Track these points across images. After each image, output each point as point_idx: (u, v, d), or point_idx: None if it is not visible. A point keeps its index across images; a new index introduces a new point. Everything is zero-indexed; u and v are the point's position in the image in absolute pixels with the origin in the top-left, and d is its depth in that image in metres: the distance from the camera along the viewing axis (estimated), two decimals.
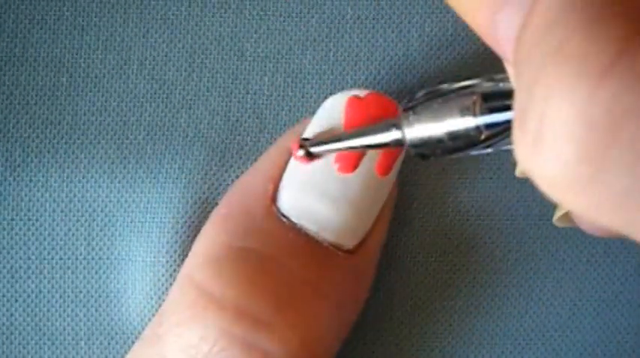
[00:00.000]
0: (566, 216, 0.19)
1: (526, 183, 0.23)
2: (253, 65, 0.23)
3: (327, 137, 0.20)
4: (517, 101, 0.12)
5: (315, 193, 0.20)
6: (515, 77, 0.13)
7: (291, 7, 0.23)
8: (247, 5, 0.23)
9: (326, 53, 0.23)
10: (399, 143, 0.18)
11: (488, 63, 0.23)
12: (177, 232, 0.22)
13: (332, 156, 0.20)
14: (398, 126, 0.17)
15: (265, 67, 0.23)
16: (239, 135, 0.23)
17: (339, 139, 0.20)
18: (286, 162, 0.21)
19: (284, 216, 0.20)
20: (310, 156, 0.20)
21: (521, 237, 0.23)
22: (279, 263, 0.20)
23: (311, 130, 0.21)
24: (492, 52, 0.18)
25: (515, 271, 0.23)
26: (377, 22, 0.23)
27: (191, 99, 0.23)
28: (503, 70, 0.15)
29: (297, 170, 0.20)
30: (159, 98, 0.23)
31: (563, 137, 0.11)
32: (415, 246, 0.23)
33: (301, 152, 0.20)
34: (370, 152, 0.20)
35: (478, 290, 0.23)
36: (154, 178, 0.23)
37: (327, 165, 0.20)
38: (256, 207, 0.20)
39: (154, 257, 0.22)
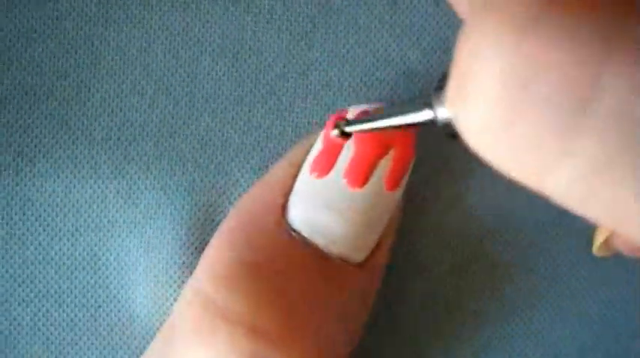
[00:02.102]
0: (606, 243, 0.19)
1: (531, 192, 0.23)
2: (256, 73, 0.23)
3: (362, 117, 0.20)
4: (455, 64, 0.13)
5: (325, 208, 0.20)
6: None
7: (297, 21, 0.23)
8: (251, 11, 0.23)
9: (331, 67, 0.23)
10: (430, 122, 0.18)
11: None
12: (181, 238, 0.23)
13: (341, 172, 0.20)
14: (430, 106, 0.17)
15: (270, 76, 0.23)
16: (242, 143, 0.23)
17: (372, 119, 0.20)
18: (295, 177, 0.21)
19: (294, 230, 0.20)
20: (344, 136, 0.20)
21: (526, 244, 0.24)
22: (289, 277, 0.20)
23: (318, 145, 0.21)
24: None
25: (518, 278, 0.24)
26: (382, 35, 0.23)
27: (196, 106, 0.23)
28: None
29: (307, 185, 0.21)
30: (164, 104, 0.23)
31: (484, 86, 0.12)
32: (420, 257, 0.24)
33: (336, 131, 0.21)
34: (380, 167, 0.20)
35: (481, 298, 0.24)
36: (158, 184, 0.23)
37: (336, 180, 0.20)
38: (266, 221, 0.21)
39: (158, 262, 0.23)
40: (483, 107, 0.12)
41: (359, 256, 0.21)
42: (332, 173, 0.20)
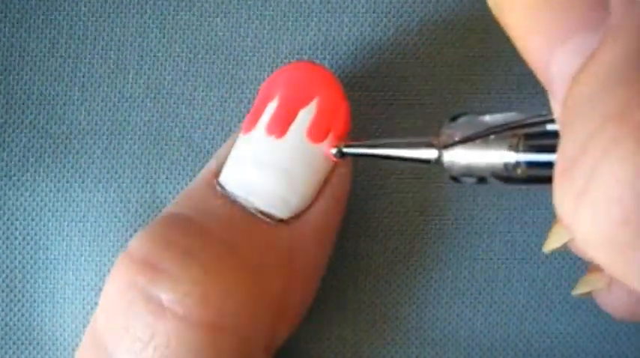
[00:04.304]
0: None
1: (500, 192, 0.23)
2: (248, 74, 0.23)
3: (363, 142, 0.20)
4: (564, 148, 0.12)
5: (248, 161, 0.20)
6: (562, 121, 0.13)
7: (286, 16, 0.23)
8: (244, 14, 0.23)
9: (322, 63, 0.23)
10: (435, 162, 0.18)
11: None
12: None
13: (264, 124, 0.20)
14: (437, 148, 0.18)
15: (260, 76, 0.23)
16: None
17: (374, 146, 0.20)
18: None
19: (220, 185, 0.20)
20: (342, 156, 0.20)
21: (499, 241, 0.23)
22: (199, 224, 0.20)
23: None
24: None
25: (494, 274, 0.23)
26: (373, 29, 0.23)
27: (186, 109, 0.23)
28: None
29: (238, 143, 0.21)
30: (154, 107, 0.23)
31: (611, 198, 0.11)
32: (388, 248, 0.23)
33: (334, 151, 0.20)
34: (300, 116, 0.20)
35: (457, 295, 0.23)
36: (150, 187, 0.23)
37: (259, 133, 0.20)
38: (199, 181, 0.21)
39: None
40: (610, 220, 0.11)
41: (280, 212, 0.20)
42: (257, 127, 0.20)
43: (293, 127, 0.20)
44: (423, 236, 0.23)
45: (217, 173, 0.21)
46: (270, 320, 0.20)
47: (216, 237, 0.19)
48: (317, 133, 0.20)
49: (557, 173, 0.12)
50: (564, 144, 0.12)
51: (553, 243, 0.19)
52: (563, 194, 0.12)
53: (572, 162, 0.12)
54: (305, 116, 0.20)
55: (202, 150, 0.23)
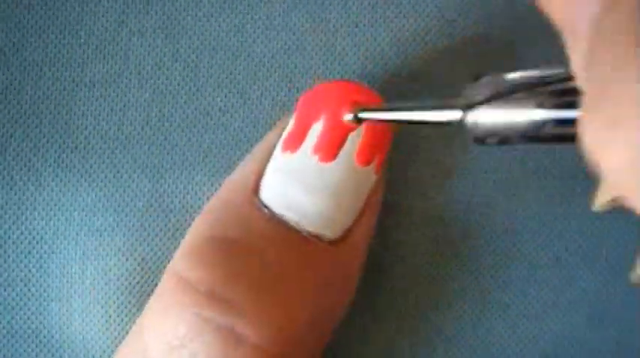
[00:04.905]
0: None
1: (519, 184, 0.23)
2: (254, 78, 0.23)
3: (382, 105, 0.20)
4: (590, 88, 0.12)
5: (295, 183, 0.20)
6: (588, 61, 0.13)
7: (292, 21, 0.23)
8: (249, 19, 0.23)
9: (330, 71, 0.23)
10: (458, 124, 0.17)
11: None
12: (177, 241, 0.22)
13: (311, 146, 0.20)
14: (460, 108, 0.17)
15: (267, 81, 0.23)
16: (239, 149, 0.23)
17: (392, 109, 0.19)
18: (270, 156, 0.21)
19: (265, 206, 0.20)
20: (358, 122, 0.20)
21: (515, 236, 0.23)
22: (256, 251, 0.20)
23: (291, 123, 0.21)
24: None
25: (501, 271, 0.24)
26: (376, 29, 0.23)
27: (192, 111, 0.23)
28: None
29: (279, 162, 0.21)
30: (159, 110, 0.23)
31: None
32: (401, 242, 0.23)
33: (350, 116, 0.20)
34: (350, 142, 0.20)
35: (458, 286, 0.23)
36: (156, 191, 0.23)
37: (306, 155, 0.20)
38: (237, 198, 0.21)
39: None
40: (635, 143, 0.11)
41: (332, 233, 0.20)
42: (302, 148, 0.20)
43: (342, 152, 0.20)
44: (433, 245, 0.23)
45: (255, 189, 0.21)
46: (327, 338, 0.20)
47: (276, 265, 0.20)
48: (365, 157, 0.20)
49: (585, 112, 0.12)
50: (590, 79, 0.13)
51: (601, 198, 0.18)
52: (590, 128, 0.12)
53: (599, 93, 0.12)
54: (353, 138, 0.20)
55: (208, 154, 0.23)
